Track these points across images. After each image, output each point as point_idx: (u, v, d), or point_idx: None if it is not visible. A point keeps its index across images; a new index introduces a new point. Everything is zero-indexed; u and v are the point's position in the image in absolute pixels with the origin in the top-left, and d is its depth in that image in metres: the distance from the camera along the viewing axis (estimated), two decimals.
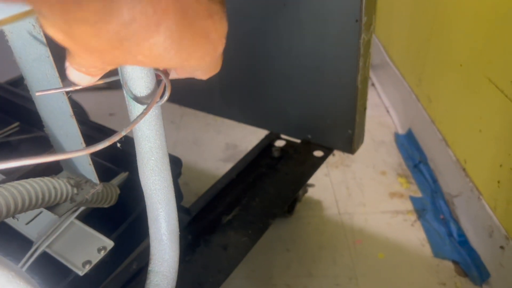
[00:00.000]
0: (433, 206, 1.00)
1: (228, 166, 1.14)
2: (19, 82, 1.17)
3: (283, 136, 0.95)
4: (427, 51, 1.06)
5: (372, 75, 1.61)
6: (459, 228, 0.92)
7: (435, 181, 1.05)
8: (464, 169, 0.90)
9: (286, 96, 0.87)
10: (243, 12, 0.82)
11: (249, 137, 1.32)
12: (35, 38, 0.40)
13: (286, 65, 0.83)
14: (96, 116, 1.31)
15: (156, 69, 0.37)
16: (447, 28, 0.95)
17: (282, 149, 0.91)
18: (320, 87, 0.80)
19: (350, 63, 0.73)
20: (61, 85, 0.42)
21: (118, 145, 0.35)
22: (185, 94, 1.08)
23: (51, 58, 0.41)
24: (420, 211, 1.00)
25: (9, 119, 0.88)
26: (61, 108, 0.44)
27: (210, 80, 1.06)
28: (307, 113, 0.86)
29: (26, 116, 0.84)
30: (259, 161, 0.88)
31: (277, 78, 0.86)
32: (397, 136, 1.26)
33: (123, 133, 0.34)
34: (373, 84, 1.57)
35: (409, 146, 1.19)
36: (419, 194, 1.06)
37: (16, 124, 0.83)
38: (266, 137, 0.94)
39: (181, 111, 1.46)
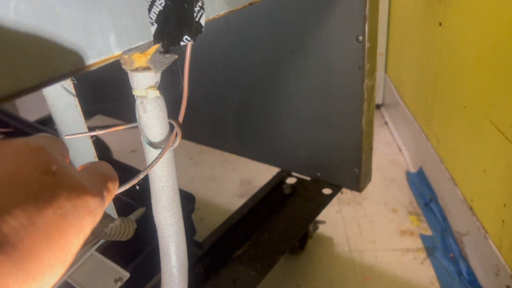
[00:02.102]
0: (443, 244, 1.02)
1: (242, 202, 1.17)
2: (47, 121, 1.25)
3: (294, 173, 0.99)
4: (435, 92, 1.10)
5: (384, 113, 1.65)
6: (469, 267, 0.93)
7: (445, 219, 1.06)
8: (471, 208, 0.92)
9: (296, 136, 0.92)
10: (255, 59, 0.89)
11: (263, 173, 1.36)
12: (66, 89, 0.46)
13: (295, 106, 0.88)
14: (119, 152, 1.38)
15: (169, 118, 0.42)
16: (451, 72, 0.99)
17: (292, 186, 0.94)
18: (327, 128, 0.85)
19: (355, 106, 0.78)
20: (86, 129, 0.47)
21: (137, 187, 0.39)
22: (202, 133, 1.14)
23: (79, 107, 0.46)
24: (430, 249, 1.01)
25: None
26: (86, 151, 0.50)
27: (225, 121, 1.12)
28: (316, 152, 0.90)
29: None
30: (270, 198, 0.92)
31: (287, 118, 0.91)
32: (408, 174, 1.29)
33: (141, 176, 0.39)
34: (386, 123, 1.60)
35: (420, 184, 1.21)
36: (429, 232, 1.07)
37: None
38: (277, 174, 0.98)
39: (199, 148, 1.52)
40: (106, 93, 1.33)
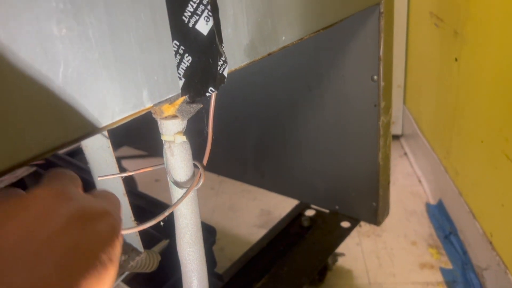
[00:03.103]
0: (463, 278, 1.01)
1: (261, 232, 1.19)
2: (77, 152, 1.31)
3: (312, 206, 1.01)
4: (452, 126, 1.12)
5: (404, 144, 1.66)
6: None
7: (465, 253, 1.06)
8: (490, 243, 0.92)
9: (314, 169, 0.94)
10: (275, 96, 0.92)
11: (283, 204, 1.38)
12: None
13: (313, 141, 0.91)
14: (143, 182, 1.43)
15: (194, 160, 0.46)
16: (468, 107, 1.01)
17: (311, 218, 0.96)
18: (344, 162, 0.87)
19: (371, 142, 0.80)
20: (117, 170, 0.51)
21: (161, 223, 0.43)
22: (223, 165, 1.18)
23: (111, 148, 0.50)
24: (450, 283, 1.01)
25: None
26: (116, 188, 0.53)
27: (245, 153, 1.16)
28: (334, 185, 0.93)
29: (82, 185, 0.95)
30: (289, 230, 0.94)
31: (305, 152, 0.94)
32: (428, 206, 1.29)
33: (166, 214, 0.42)
34: (405, 154, 1.61)
35: (440, 216, 1.21)
36: (449, 266, 1.07)
37: None
38: (296, 207, 1.00)
39: (220, 178, 1.55)
40: (132, 126, 1.38)
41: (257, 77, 0.95)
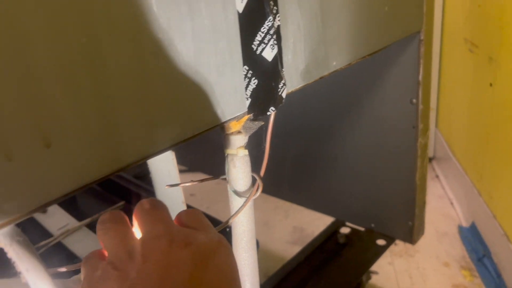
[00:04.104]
0: None
1: (295, 249, 1.22)
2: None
3: (348, 223, 1.03)
4: (486, 150, 1.13)
5: (436, 167, 1.67)
6: None
7: (499, 275, 1.06)
8: None
9: (351, 187, 0.98)
10: (314, 115, 0.97)
11: (316, 221, 1.41)
12: None
13: (351, 160, 0.94)
14: None
15: (252, 172, 0.50)
16: (502, 131, 1.03)
17: (347, 236, 0.99)
18: (382, 182, 0.90)
19: (409, 162, 0.83)
20: (179, 180, 0.56)
21: (227, 230, 0.47)
22: None
23: (174, 160, 0.56)
24: None
25: (114, 198, 1.05)
26: (176, 196, 0.58)
27: (283, 171, 1.20)
28: (370, 203, 0.95)
29: (128, 195, 1.01)
30: (325, 246, 0.97)
31: (343, 171, 0.97)
32: (460, 229, 1.29)
33: (231, 221, 0.46)
34: (437, 176, 1.62)
35: (472, 239, 1.22)
36: None
37: (122, 203, 1.00)
38: (332, 224, 1.03)
39: None
40: None
41: (297, 96, 0.99)
